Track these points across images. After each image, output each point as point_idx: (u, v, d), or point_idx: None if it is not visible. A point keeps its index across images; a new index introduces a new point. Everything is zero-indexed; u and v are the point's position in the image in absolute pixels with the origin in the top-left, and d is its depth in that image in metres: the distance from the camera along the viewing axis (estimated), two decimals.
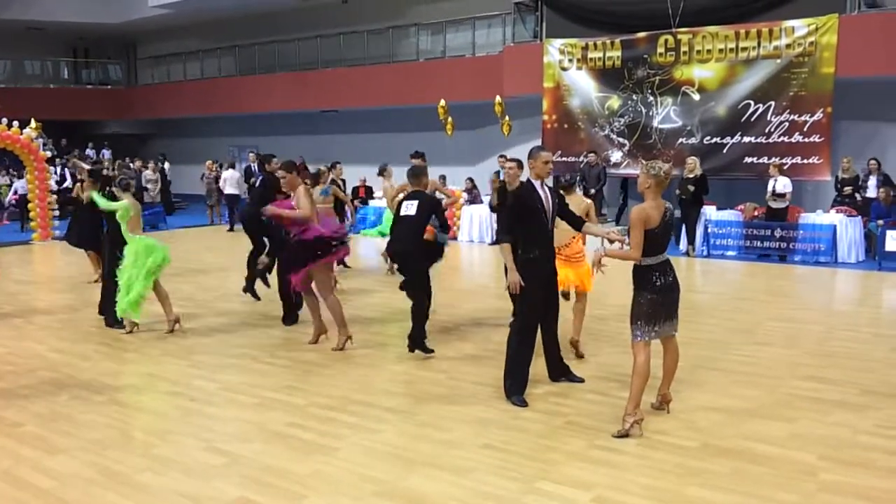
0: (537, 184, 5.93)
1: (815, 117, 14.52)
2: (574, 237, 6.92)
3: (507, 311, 9.23)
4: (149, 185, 21.72)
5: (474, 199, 17.39)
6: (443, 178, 17.24)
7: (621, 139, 16.84)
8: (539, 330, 6.09)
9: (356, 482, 4.60)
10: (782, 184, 13.87)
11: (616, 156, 16.90)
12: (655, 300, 5.23)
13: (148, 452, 5.09)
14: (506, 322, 8.71)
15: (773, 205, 13.98)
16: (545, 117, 17.70)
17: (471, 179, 17.77)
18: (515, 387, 5.93)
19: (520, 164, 6.93)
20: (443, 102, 12.78)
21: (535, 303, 5.92)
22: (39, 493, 4.51)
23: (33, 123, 15.48)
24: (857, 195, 14.25)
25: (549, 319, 6.15)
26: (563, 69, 17.28)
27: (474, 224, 16.84)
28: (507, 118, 13.34)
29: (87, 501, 4.42)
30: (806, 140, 14.67)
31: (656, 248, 5.23)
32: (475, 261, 14.84)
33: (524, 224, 5.90)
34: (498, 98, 13.31)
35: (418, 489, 4.50)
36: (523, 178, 6.33)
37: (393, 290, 8.28)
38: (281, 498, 4.41)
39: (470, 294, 10.73)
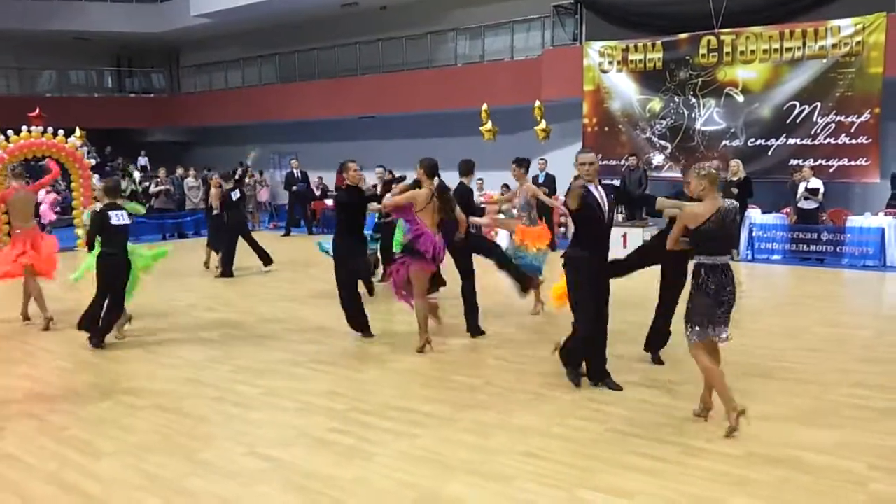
0: (591, 186, 6.03)
1: (862, 118, 14.21)
2: None
3: (548, 322, 9.18)
4: (191, 193, 22.01)
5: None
6: (480, 181, 17.25)
7: (663, 142, 16.65)
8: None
9: (396, 488, 4.59)
10: (815, 183, 13.64)
11: (658, 159, 16.72)
12: (707, 302, 5.24)
13: (191, 457, 5.13)
14: (547, 333, 8.65)
15: (804, 205, 13.74)
16: (585, 120, 17.58)
17: (507, 185, 17.70)
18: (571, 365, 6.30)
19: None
20: (485, 106, 12.72)
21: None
22: (85, 497, 4.57)
23: (78, 132, 15.75)
24: None
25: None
26: (604, 72, 17.16)
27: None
28: (543, 123, 13.23)
29: None
30: (853, 142, 14.36)
31: (710, 248, 5.23)
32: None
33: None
34: (538, 103, 13.21)
35: (458, 496, 4.47)
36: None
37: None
38: (322, 503, 4.42)
39: (509, 301, 10.67)
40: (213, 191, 13.58)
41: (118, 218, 7.84)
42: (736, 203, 5.46)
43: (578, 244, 6.16)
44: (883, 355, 7.43)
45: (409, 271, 7.51)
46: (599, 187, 6.09)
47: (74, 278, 8.99)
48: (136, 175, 22.46)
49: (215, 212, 13.31)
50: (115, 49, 29.17)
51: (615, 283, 6.44)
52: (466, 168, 8.96)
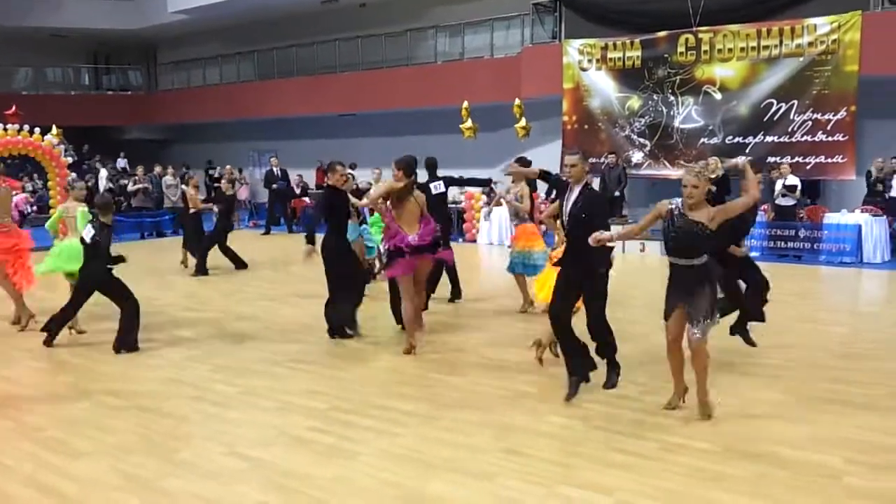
0: (576, 187, 5.99)
1: (838, 116, 14.38)
2: None
3: (528, 316, 9.21)
4: (168, 191, 21.85)
5: (492, 201, 17.34)
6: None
7: (642, 140, 16.75)
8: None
9: (377, 487, 4.58)
10: (793, 179, 13.78)
11: (637, 156, 16.82)
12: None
13: (169, 457, 5.10)
14: (525, 327, 8.70)
15: (782, 202, 13.88)
16: (565, 118, 17.65)
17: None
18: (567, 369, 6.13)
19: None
20: (466, 104, 12.72)
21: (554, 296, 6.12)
22: (62, 499, 4.54)
23: (54, 130, 15.58)
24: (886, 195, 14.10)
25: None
26: (583, 69, 17.22)
27: (493, 227, 16.80)
28: (522, 121, 13.26)
29: None
30: (830, 139, 14.53)
31: (667, 247, 5.42)
32: (495, 264, 14.79)
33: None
34: (517, 101, 13.24)
35: (440, 494, 4.48)
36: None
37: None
38: (302, 502, 4.41)
39: (490, 298, 10.69)
40: (190, 191, 13.53)
41: (86, 233, 7.78)
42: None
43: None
44: (859, 351, 7.51)
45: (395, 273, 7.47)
46: (576, 193, 5.94)
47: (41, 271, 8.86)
48: (104, 172, 22.10)
49: (192, 211, 13.26)
50: (92, 46, 28.91)
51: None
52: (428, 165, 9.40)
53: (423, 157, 10.09)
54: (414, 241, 7.23)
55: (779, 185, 13.93)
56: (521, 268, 9.23)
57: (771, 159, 14.97)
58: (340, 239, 8.09)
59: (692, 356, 5.46)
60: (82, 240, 7.79)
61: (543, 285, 7.36)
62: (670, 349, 5.57)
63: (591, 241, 5.46)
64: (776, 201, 13.98)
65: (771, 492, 4.40)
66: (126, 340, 7.84)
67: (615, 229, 5.83)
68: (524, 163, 9.31)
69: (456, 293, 10.03)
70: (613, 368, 6.34)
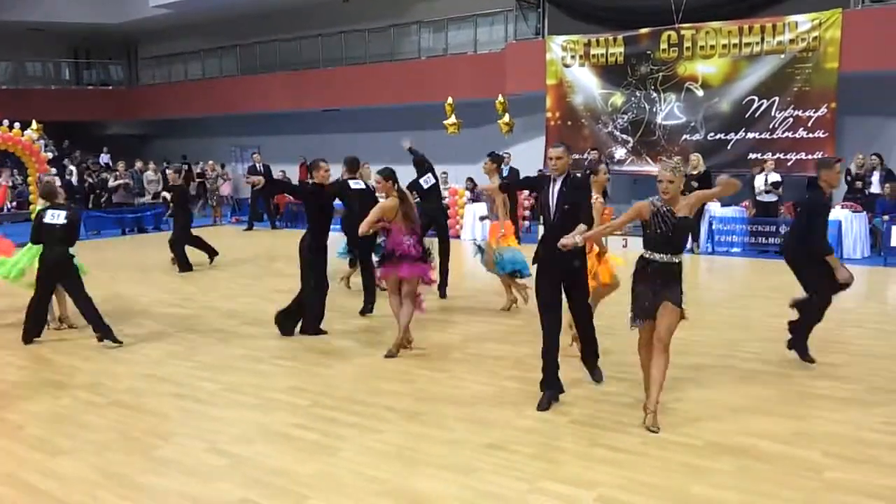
0: (559, 178, 5.91)
1: (819, 113, 14.49)
2: None
3: (510, 311, 9.22)
4: (149, 187, 21.73)
5: (476, 197, 17.35)
6: (445, 174, 17.24)
7: (625, 136, 16.80)
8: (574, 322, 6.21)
9: (360, 482, 4.58)
10: (774, 176, 13.89)
11: (620, 153, 16.86)
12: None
13: (150, 454, 5.07)
14: (507, 322, 8.72)
15: (765, 199, 13.97)
16: (548, 114, 17.67)
17: (471, 179, 17.75)
18: (545, 381, 5.90)
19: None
20: (450, 100, 12.70)
21: (543, 296, 5.90)
22: (43, 496, 4.50)
23: (34, 125, 15.44)
24: (865, 191, 14.24)
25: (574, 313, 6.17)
26: (566, 66, 17.25)
27: (477, 223, 16.77)
28: (506, 117, 13.26)
29: (90, 503, 4.41)
30: (810, 136, 14.64)
31: (649, 244, 5.33)
32: (477, 259, 14.77)
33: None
34: (500, 98, 13.24)
35: (422, 489, 4.48)
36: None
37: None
38: (284, 499, 4.39)
39: (473, 294, 10.70)
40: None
41: (53, 217, 7.76)
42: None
43: (540, 240, 6.00)
44: (839, 346, 7.58)
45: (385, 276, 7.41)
46: (559, 183, 5.88)
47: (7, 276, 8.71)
48: (72, 169, 21.77)
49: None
50: (73, 40, 28.62)
51: None
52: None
53: (406, 154, 10.14)
54: (408, 246, 7.16)
55: (759, 182, 14.01)
56: (511, 266, 9.06)
57: (752, 156, 15.08)
58: (320, 238, 8.05)
59: (661, 349, 5.30)
60: (48, 225, 7.73)
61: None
62: (644, 352, 5.47)
63: (560, 244, 5.41)
64: (758, 198, 14.06)
65: (753, 485, 4.43)
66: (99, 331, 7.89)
67: (581, 228, 5.69)
68: (496, 158, 9.33)
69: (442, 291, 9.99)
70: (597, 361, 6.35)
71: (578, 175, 6.22)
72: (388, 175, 7.40)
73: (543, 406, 5.75)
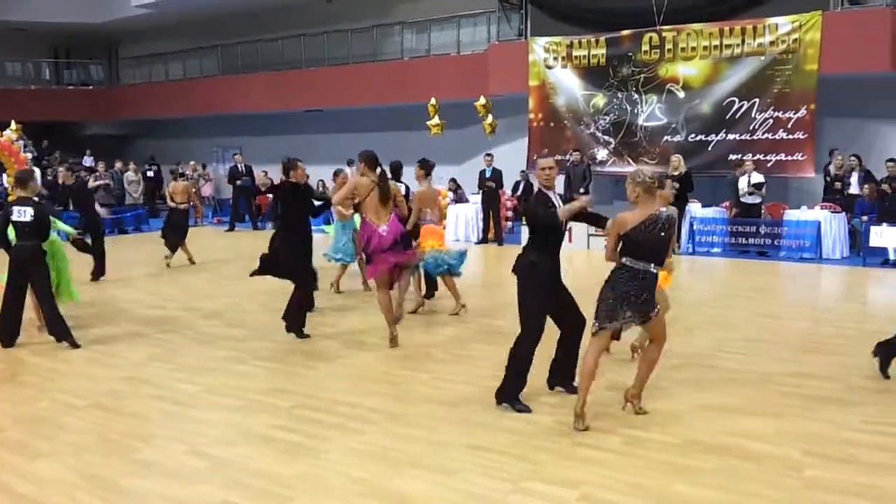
0: (550, 193, 5.82)
1: (798, 114, 14.61)
2: None
3: (492, 312, 9.24)
4: (130, 188, 21.60)
5: (459, 198, 17.38)
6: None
7: (607, 137, 16.87)
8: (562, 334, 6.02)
9: (343, 483, 4.56)
10: (757, 177, 13.99)
11: (602, 154, 16.93)
12: (610, 296, 5.33)
13: (131, 456, 5.03)
14: (489, 323, 8.72)
15: (749, 200, 14.07)
16: (531, 115, 17.72)
17: (454, 180, 17.77)
18: (515, 390, 5.79)
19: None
20: (433, 101, 12.69)
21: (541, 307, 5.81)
22: (20, 499, 4.45)
23: (13, 125, 15.31)
24: (844, 192, 14.36)
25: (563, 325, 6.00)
26: (549, 67, 17.30)
27: (460, 223, 16.82)
28: (489, 118, 13.27)
29: None
30: (790, 137, 14.76)
31: (633, 252, 5.26)
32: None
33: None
34: (482, 100, 13.25)
35: (405, 490, 4.47)
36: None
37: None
38: (267, 500, 4.37)
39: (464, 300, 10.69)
40: (182, 185, 13.62)
41: (19, 214, 7.67)
42: (672, 213, 5.52)
43: (534, 250, 5.79)
44: (819, 346, 7.64)
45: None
46: (555, 193, 5.86)
47: None
48: (60, 170, 21.51)
49: (183, 206, 13.53)
50: (54, 40, 28.34)
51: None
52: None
53: (396, 154, 10.09)
54: (384, 233, 7.25)
55: (743, 183, 14.10)
56: (446, 268, 9.03)
57: (733, 157, 15.17)
58: (291, 235, 8.14)
59: (657, 351, 5.48)
60: (14, 222, 7.69)
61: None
62: (596, 364, 5.39)
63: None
64: (742, 199, 14.15)
65: (735, 484, 4.46)
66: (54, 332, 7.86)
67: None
68: (424, 165, 9.17)
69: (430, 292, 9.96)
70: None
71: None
72: (364, 157, 7.61)
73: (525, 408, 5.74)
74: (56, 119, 26.03)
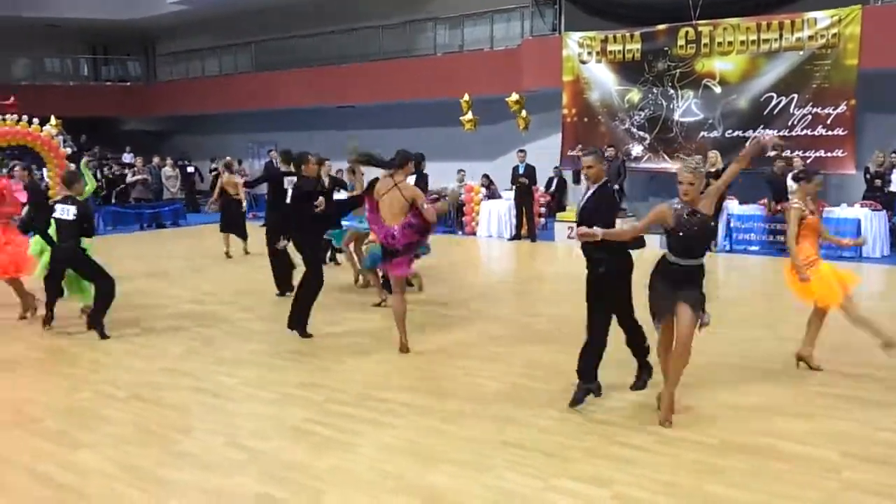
0: (592, 186, 5.69)
1: (838, 110, 14.38)
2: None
3: (524, 309, 9.23)
4: (168, 182, 21.88)
5: (492, 194, 17.35)
6: (462, 172, 17.25)
7: (642, 133, 16.74)
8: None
9: (375, 478, 4.60)
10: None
11: (637, 150, 16.80)
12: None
13: (169, 448, 5.12)
14: (522, 321, 8.72)
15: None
16: (565, 111, 17.63)
17: (487, 176, 17.73)
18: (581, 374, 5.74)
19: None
20: (466, 97, 12.69)
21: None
22: (62, 488, 4.55)
23: (53, 120, 15.59)
24: (885, 189, 14.10)
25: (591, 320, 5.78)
26: (583, 62, 17.20)
27: (493, 220, 16.82)
28: (523, 113, 13.23)
29: (109, 497, 4.45)
30: (829, 133, 14.53)
31: (675, 249, 5.23)
32: (494, 256, 14.81)
33: None
34: (515, 96, 13.21)
35: (437, 485, 4.49)
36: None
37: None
38: (301, 493, 4.42)
39: (489, 291, 10.70)
40: (235, 178, 13.96)
41: (63, 212, 7.91)
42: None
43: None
44: (856, 345, 7.51)
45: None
46: (591, 189, 5.66)
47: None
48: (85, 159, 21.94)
49: (237, 197, 13.81)
50: (91, 37, 28.78)
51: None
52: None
53: (427, 149, 10.10)
54: (396, 232, 7.08)
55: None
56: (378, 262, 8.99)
57: (771, 153, 14.95)
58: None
59: (682, 351, 5.23)
60: (57, 219, 7.92)
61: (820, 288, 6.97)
62: (663, 354, 5.44)
63: (575, 234, 5.38)
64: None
65: (767, 485, 4.42)
66: (95, 319, 8.06)
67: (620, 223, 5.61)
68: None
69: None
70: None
71: (607, 185, 5.75)
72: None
73: (577, 400, 5.70)
74: (94, 115, 26.43)
